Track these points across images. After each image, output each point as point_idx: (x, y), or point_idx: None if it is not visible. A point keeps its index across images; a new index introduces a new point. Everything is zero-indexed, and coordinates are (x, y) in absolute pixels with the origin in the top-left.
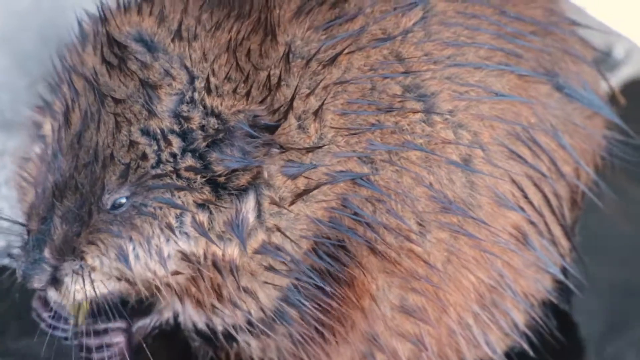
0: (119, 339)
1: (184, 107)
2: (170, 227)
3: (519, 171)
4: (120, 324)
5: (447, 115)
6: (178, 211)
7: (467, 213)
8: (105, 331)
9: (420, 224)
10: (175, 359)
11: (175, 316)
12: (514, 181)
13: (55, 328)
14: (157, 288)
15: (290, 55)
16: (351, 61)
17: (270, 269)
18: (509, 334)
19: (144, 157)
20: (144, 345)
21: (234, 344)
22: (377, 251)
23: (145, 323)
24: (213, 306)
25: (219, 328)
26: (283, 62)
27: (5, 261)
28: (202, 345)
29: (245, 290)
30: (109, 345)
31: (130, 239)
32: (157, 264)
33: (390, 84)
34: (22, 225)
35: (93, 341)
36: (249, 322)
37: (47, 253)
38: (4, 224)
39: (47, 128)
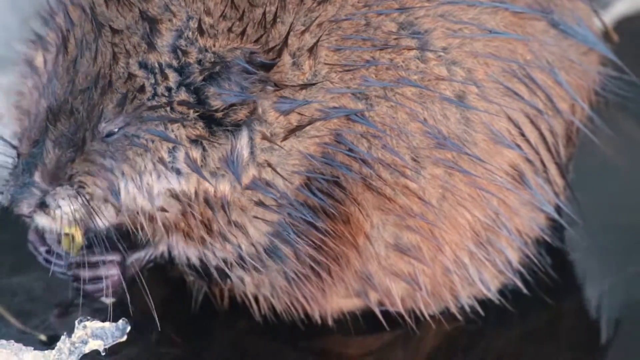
0: (113, 272)
1: (182, 42)
2: (162, 161)
3: (516, 108)
4: (114, 256)
5: (441, 52)
6: (171, 145)
7: (462, 149)
8: (100, 263)
9: (415, 160)
10: (170, 293)
11: (170, 250)
12: (510, 118)
13: (50, 261)
14: (141, 223)
15: None
16: None
17: (260, 204)
18: (503, 272)
19: (142, 89)
20: (140, 278)
21: (227, 280)
22: (372, 187)
23: (140, 256)
24: (203, 239)
25: (212, 262)
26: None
27: None
28: (196, 280)
29: (236, 224)
30: (103, 278)
31: (123, 172)
32: (145, 200)
33: (385, 20)
34: (12, 147)
35: (87, 273)
36: (241, 257)
37: (37, 177)
38: None
39: (40, 60)
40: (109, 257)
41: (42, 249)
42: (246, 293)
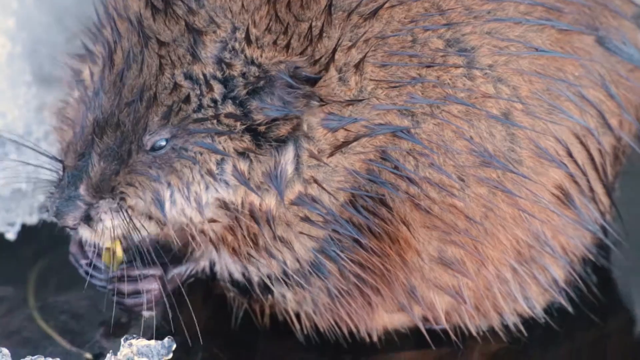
0: (153, 286)
1: (227, 55)
2: (210, 173)
3: (563, 127)
4: (155, 270)
5: (487, 69)
6: (219, 157)
7: (508, 167)
8: (140, 277)
9: (460, 178)
10: (214, 310)
11: (211, 265)
12: (557, 138)
13: (92, 275)
14: (192, 235)
15: (332, 8)
16: (392, 14)
17: (306, 219)
18: (547, 290)
19: (187, 100)
20: (182, 289)
21: (269, 296)
22: (420, 206)
23: (181, 271)
24: (249, 255)
25: (255, 278)
26: (325, 14)
27: (45, 216)
28: (237, 296)
29: (281, 239)
30: (143, 292)
31: (169, 183)
32: (194, 210)
33: (431, 37)
34: (58, 161)
35: (127, 287)
36: (285, 273)
37: (82, 190)
38: (43, 180)
39: (86, 73)
40: (150, 272)
41: (83, 262)
42: (287, 310)
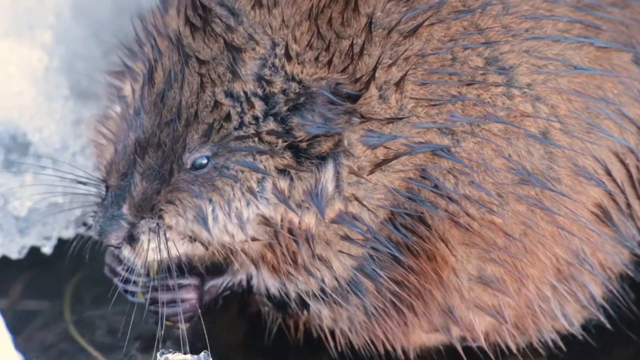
0: (191, 296)
1: (267, 71)
2: (251, 191)
3: (602, 146)
4: (193, 280)
5: (526, 88)
6: (260, 176)
7: (546, 185)
8: (178, 287)
9: (499, 195)
10: (245, 324)
11: (248, 279)
12: (595, 157)
13: (127, 282)
14: (233, 252)
15: (372, 26)
16: (432, 32)
17: (346, 238)
18: (586, 307)
19: (228, 118)
20: (217, 303)
21: (305, 312)
22: (459, 224)
23: (218, 283)
24: (288, 272)
25: (292, 294)
26: (365, 32)
27: (81, 230)
28: (272, 311)
29: (320, 258)
30: (180, 301)
31: (210, 200)
32: (236, 227)
33: (471, 55)
34: (101, 180)
35: (164, 295)
36: (322, 291)
37: (125, 209)
38: (79, 193)
39: (128, 89)
40: (187, 281)
41: (119, 269)
42: (322, 327)
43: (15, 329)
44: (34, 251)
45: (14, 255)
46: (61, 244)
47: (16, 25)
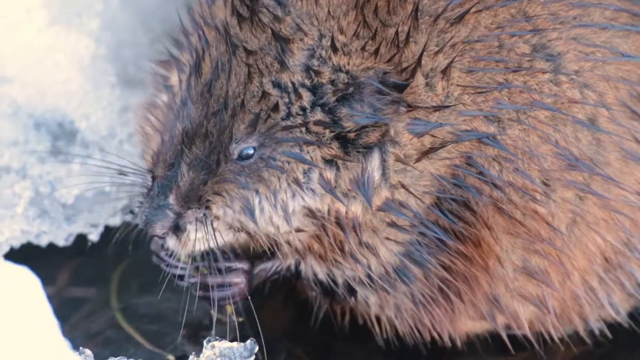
0: (240, 279)
1: (315, 62)
2: (297, 182)
3: None
4: (243, 264)
5: (573, 75)
6: (306, 167)
7: (595, 170)
8: (228, 270)
9: (545, 183)
10: (291, 311)
11: (297, 264)
12: (638, 141)
13: (174, 267)
14: (277, 244)
15: (419, 13)
16: (478, 20)
17: (393, 225)
18: (632, 295)
19: (275, 108)
20: (264, 288)
21: (353, 298)
22: (503, 211)
23: (267, 267)
24: (335, 260)
25: (339, 280)
26: (411, 19)
27: (127, 218)
28: (319, 296)
29: (367, 245)
30: (229, 285)
31: (257, 191)
32: (281, 218)
33: (518, 42)
34: (148, 171)
35: (214, 279)
36: (369, 277)
37: (172, 199)
38: (126, 182)
39: (175, 79)
40: (238, 265)
41: (164, 254)
42: (369, 313)
43: (62, 316)
44: (81, 239)
45: (61, 242)
46: (108, 231)
47: (64, 12)
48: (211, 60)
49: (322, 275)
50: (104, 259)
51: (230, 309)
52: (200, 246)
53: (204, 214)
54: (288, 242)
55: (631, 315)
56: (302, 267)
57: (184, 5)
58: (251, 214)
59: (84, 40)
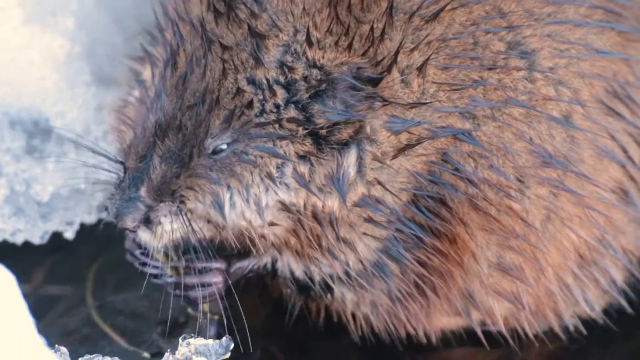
0: (218, 279)
1: (289, 58)
2: (270, 176)
3: (618, 128)
4: (219, 264)
5: (548, 72)
6: (279, 161)
7: (568, 167)
8: (205, 270)
9: (520, 180)
10: (267, 308)
11: (273, 262)
12: (613, 137)
13: (146, 265)
14: (251, 239)
15: (393, 10)
16: (453, 17)
17: (370, 220)
18: (607, 291)
19: (249, 105)
20: (238, 286)
21: (329, 295)
22: (478, 207)
23: (243, 265)
24: (312, 256)
25: (317, 277)
26: (386, 16)
27: (103, 215)
28: (295, 294)
29: (344, 240)
30: (207, 285)
31: (229, 186)
32: (254, 213)
33: (493, 39)
34: (119, 162)
35: (192, 279)
36: (347, 274)
37: (143, 192)
38: (102, 179)
39: (147, 74)
40: (215, 265)
41: (138, 252)
42: (345, 310)
43: (37, 314)
44: (56, 236)
45: (37, 240)
46: (83, 229)
47: (38, 11)
48: (186, 55)
49: (299, 273)
50: (80, 256)
51: (206, 307)
52: (176, 236)
53: (178, 207)
54: (263, 237)
55: (606, 312)
56: (279, 264)
57: (159, 2)
58: (220, 208)
59: (59, 39)
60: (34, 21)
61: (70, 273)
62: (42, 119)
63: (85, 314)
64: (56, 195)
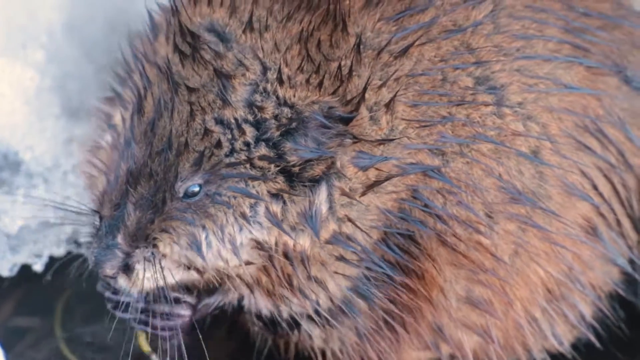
0: (186, 312)
1: (258, 97)
2: (244, 216)
3: (588, 163)
4: (190, 298)
5: (517, 107)
6: (252, 201)
7: (537, 203)
8: (176, 301)
9: (489, 216)
10: (235, 343)
11: (239, 299)
12: (583, 173)
13: (122, 310)
14: (229, 277)
15: (361, 46)
16: (422, 52)
17: (341, 259)
18: (576, 326)
19: (218, 145)
20: (205, 322)
21: (296, 332)
22: (446, 243)
23: (210, 302)
24: (283, 296)
25: (284, 315)
26: (354, 53)
27: (71, 248)
28: (261, 331)
29: (316, 280)
30: (175, 316)
31: (204, 227)
32: (229, 252)
33: (461, 75)
34: (94, 212)
35: (161, 307)
36: (316, 312)
37: (120, 239)
38: (70, 212)
39: (118, 118)
40: (187, 298)
41: (108, 294)
42: (313, 347)
43: (6, 346)
44: (25, 269)
45: (5, 272)
46: (52, 261)
47: (8, 44)
48: (153, 99)
49: (266, 311)
50: (49, 289)
51: (142, 340)
52: (150, 285)
53: (152, 252)
54: (239, 276)
55: (574, 347)
56: (245, 301)
57: (128, 38)
58: (198, 249)
59: (29, 72)
60: (4, 54)
61: (39, 305)
62: (11, 152)
63: (54, 345)
64: (25, 227)
